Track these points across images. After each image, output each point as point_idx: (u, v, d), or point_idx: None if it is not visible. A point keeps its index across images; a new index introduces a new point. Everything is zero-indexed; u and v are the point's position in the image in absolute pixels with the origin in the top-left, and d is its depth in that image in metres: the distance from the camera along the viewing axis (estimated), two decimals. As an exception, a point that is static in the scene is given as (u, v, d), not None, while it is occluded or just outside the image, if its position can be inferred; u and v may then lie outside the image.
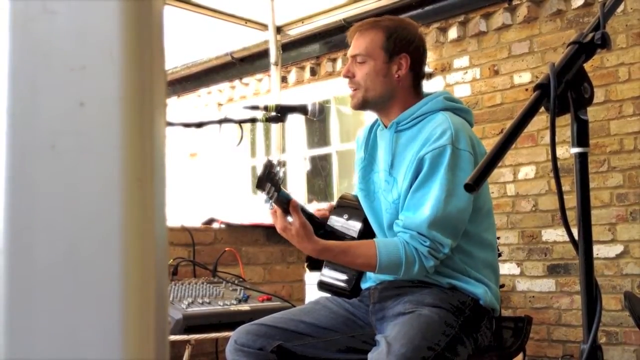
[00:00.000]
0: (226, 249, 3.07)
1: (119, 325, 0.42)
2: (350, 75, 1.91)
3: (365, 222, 1.99)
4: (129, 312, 0.42)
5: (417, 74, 1.94)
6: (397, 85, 1.90)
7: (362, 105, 1.93)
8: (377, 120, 2.03)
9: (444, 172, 1.74)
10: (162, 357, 0.47)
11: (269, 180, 1.72)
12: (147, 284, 0.44)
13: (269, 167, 1.72)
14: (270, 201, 1.76)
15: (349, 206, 2.05)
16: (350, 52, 1.93)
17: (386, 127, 1.94)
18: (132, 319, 0.43)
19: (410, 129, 1.87)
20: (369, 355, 1.64)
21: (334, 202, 2.11)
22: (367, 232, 1.97)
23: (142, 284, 0.44)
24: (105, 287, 0.42)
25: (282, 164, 1.77)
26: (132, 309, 0.43)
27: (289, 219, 1.81)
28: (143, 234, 0.44)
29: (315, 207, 2.07)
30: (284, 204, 1.79)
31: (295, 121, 5.87)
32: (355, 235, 1.96)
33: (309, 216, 1.87)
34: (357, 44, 1.91)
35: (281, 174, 1.75)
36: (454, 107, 1.90)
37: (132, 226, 0.43)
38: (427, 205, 1.75)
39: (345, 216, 2.01)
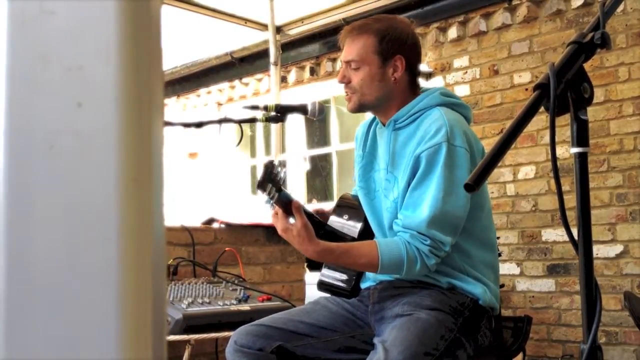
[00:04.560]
0: (226, 249, 3.07)
1: (116, 325, 0.42)
2: (345, 81, 1.91)
3: (365, 222, 1.98)
4: (126, 312, 0.42)
5: (414, 72, 1.93)
6: (394, 87, 1.89)
7: (359, 108, 1.93)
8: (375, 117, 2.02)
9: (441, 170, 1.73)
10: (160, 357, 0.46)
11: (269, 181, 1.72)
12: (144, 283, 0.44)
13: (270, 167, 1.72)
14: (271, 202, 1.76)
15: (349, 206, 2.04)
16: (343, 57, 1.92)
17: (384, 125, 1.94)
18: (129, 318, 0.43)
19: (408, 126, 1.87)
20: None
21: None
22: (367, 233, 1.96)
23: (139, 283, 0.44)
24: (102, 286, 0.42)
25: (283, 164, 1.77)
26: (129, 309, 0.43)
27: (290, 220, 1.80)
28: (140, 233, 0.44)
29: (315, 208, 2.06)
30: (286, 204, 1.79)
31: (295, 121, 5.88)
32: (355, 235, 1.96)
33: (309, 216, 1.87)
34: (350, 49, 1.89)
35: (282, 175, 1.75)
36: (450, 102, 1.89)
37: (129, 226, 0.43)
38: (425, 204, 1.74)
39: (346, 216, 2.01)
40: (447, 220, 1.75)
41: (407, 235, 1.76)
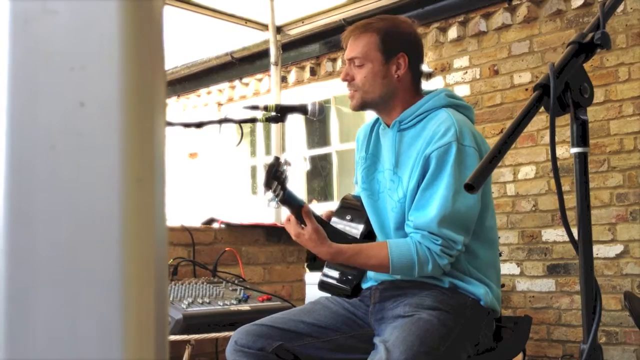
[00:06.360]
0: (226, 249, 3.07)
1: (118, 325, 0.42)
2: (348, 79, 1.91)
3: (367, 223, 1.98)
4: (129, 313, 0.42)
5: (416, 71, 1.93)
6: (397, 85, 1.89)
7: (362, 106, 1.93)
8: (377, 119, 2.02)
9: (451, 169, 1.74)
10: (162, 357, 0.47)
11: (275, 178, 1.72)
12: (147, 283, 0.44)
13: (276, 165, 1.73)
14: (276, 200, 1.77)
15: (351, 207, 2.05)
16: (346, 55, 1.92)
17: (388, 126, 1.94)
18: (131, 319, 0.43)
19: (414, 127, 1.87)
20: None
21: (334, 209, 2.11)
22: (369, 234, 1.97)
23: (142, 284, 0.44)
24: (105, 287, 0.42)
25: (288, 162, 1.78)
26: (131, 309, 0.43)
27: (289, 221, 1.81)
28: (142, 234, 0.44)
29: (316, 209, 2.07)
30: (291, 203, 1.80)
31: (295, 121, 5.88)
32: (357, 236, 1.97)
33: (316, 218, 1.88)
34: (353, 47, 1.90)
35: (287, 173, 1.76)
36: (455, 103, 1.90)
37: (132, 226, 0.43)
38: (434, 204, 1.75)
39: (348, 217, 2.02)
40: (458, 219, 1.75)
41: (418, 235, 1.77)
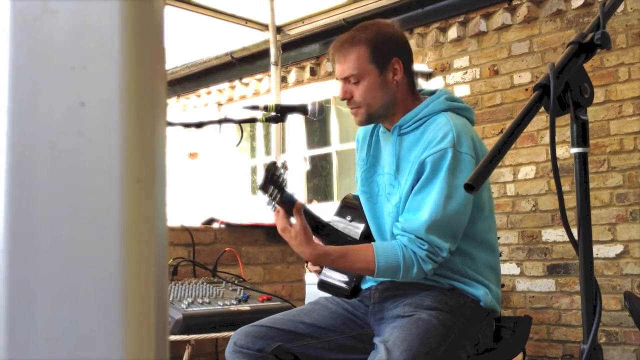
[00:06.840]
0: (226, 249, 3.07)
1: (119, 325, 0.42)
2: (348, 97, 1.89)
3: (367, 224, 1.98)
4: (129, 312, 0.42)
5: (411, 72, 1.93)
6: (396, 91, 1.88)
7: (368, 121, 1.91)
8: None
9: (444, 175, 1.73)
10: (163, 357, 0.47)
11: (272, 183, 1.72)
12: (147, 283, 0.44)
13: (272, 169, 1.73)
14: (273, 203, 1.77)
15: (352, 207, 2.05)
16: (339, 74, 1.89)
17: (388, 130, 1.93)
18: (132, 319, 0.43)
19: (413, 131, 1.86)
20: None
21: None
22: (369, 234, 1.97)
23: (142, 283, 0.44)
24: (106, 287, 0.42)
25: (285, 165, 1.77)
26: (132, 309, 0.43)
27: (292, 219, 1.81)
28: (143, 234, 0.44)
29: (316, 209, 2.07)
30: (288, 205, 1.79)
31: (295, 121, 5.88)
32: (357, 237, 1.96)
33: (311, 217, 1.87)
34: (345, 65, 1.87)
35: (285, 176, 1.75)
36: (455, 106, 1.89)
37: (132, 226, 0.43)
38: (425, 208, 1.74)
39: (348, 217, 2.02)
40: (447, 225, 1.75)
41: (405, 238, 1.76)
